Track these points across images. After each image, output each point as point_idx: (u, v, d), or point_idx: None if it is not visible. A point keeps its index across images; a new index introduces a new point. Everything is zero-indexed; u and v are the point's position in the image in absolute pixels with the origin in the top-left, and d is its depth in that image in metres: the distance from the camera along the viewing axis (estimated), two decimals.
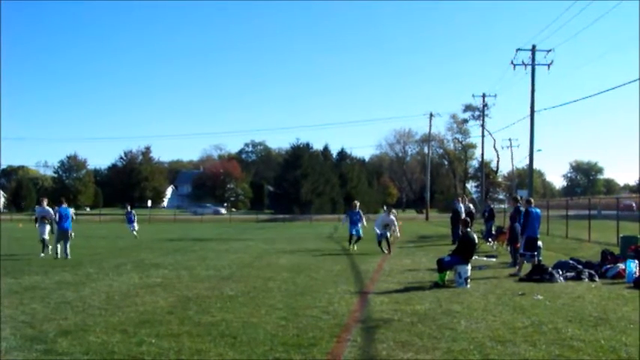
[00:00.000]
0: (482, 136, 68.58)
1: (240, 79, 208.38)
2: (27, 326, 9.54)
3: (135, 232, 36.30)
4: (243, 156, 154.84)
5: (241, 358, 7.74)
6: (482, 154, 70.60)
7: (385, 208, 26.51)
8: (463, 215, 28.43)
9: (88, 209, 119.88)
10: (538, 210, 18.60)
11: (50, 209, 22.61)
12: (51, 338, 8.68)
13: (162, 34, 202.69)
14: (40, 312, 10.85)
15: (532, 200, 19.65)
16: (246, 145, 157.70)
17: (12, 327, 9.45)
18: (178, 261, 20.36)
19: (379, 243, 23.42)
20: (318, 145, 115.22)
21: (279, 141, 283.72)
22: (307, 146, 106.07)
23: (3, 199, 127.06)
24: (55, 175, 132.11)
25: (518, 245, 18.87)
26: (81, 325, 9.56)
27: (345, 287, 14.02)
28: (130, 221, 37.33)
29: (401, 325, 9.54)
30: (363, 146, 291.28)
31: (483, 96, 65.99)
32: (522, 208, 20.37)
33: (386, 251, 22.76)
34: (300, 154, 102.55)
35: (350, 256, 21.91)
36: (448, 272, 14.70)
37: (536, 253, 17.93)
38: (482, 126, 69.12)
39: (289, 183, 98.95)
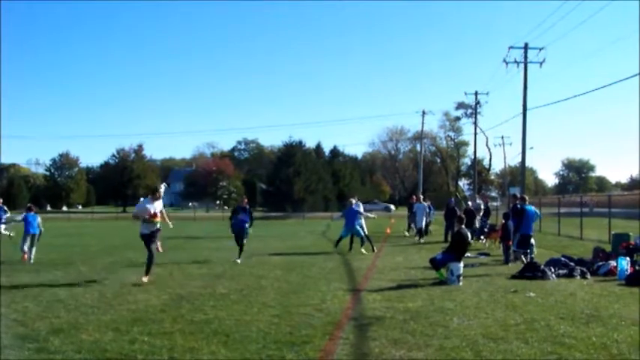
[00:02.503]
0: (475, 133, 68.59)
1: (233, 77, 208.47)
2: (19, 325, 9.53)
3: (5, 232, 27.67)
4: (236, 154, 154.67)
5: (234, 355, 7.75)
6: (475, 152, 70.66)
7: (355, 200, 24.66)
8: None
9: (80, 207, 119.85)
10: (532, 207, 18.69)
11: None
12: (43, 337, 8.67)
13: (155, 32, 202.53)
14: (32, 310, 10.84)
15: (526, 197, 19.73)
16: (239, 142, 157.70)
17: (4, 325, 9.45)
18: (171, 259, 20.32)
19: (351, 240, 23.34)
20: (310, 143, 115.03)
21: (272, 139, 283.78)
22: (300, 144, 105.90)
23: None
24: (47, 174, 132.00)
25: (511, 243, 18.99)
26: (73, 324, 9.55)
27: (338, 285, 14.03)
28: None
29: (393, 323, 9.56)
30: (356, 144, 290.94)
31: (476, 94, 65.94)
32: (519, 205, 20.60)
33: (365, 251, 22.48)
34: (292, 151, 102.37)
35: (343, 254, 21.88)
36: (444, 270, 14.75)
37: (528, 250, 18.02)
38: (475, 124, 69.10)
39: (282, 181, 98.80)
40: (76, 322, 9.73)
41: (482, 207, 30.25)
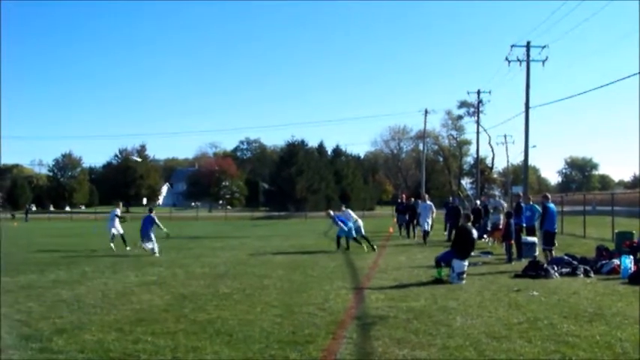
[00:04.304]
0: (477, 132, 68.64)
1: (235, 77, 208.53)
2: (23, 325, 9.55)
3: None
4: (238, 153, 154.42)
5: (237, 355, 7.75)
6: (478, 151, 70.58)
7: (344, 207, 26.10)
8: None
9: (83, 207, 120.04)
10: (554, 205, 19.01)
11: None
12: (46, 337, 8.69)
13: (157, 32, 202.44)
14: (36, 310, 10.86)
15: (549, 196, 19.89)
16: (241, 142, 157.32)
17: (8, 325, 9.45)
18: (174, 259, 20.35)
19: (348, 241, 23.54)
20: (313, 142, 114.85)
21: (274, 138, 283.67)
22: (302, 143, 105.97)
23: None
24: (50, 174, 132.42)
25: (512, 242, 19.07)
26: (76, 324, 9.57)
27: (341, 284, 14.03)
28: None
29: (396, 322, 9.56)
30: (358, 143, 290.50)
31: (478, 92, 65.86)
32: (523, 204, 20.67)
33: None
34: (295, 151, 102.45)
35: (345, 253, 21.89)
36: (447, 268, 14.70)
37: (556, 245, 18.33)
38: (477, 122, 69.12)
39: (284, 180, 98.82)
40: (80, 322, 9.74)
41: (502, 207, 29.90)
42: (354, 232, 23.24)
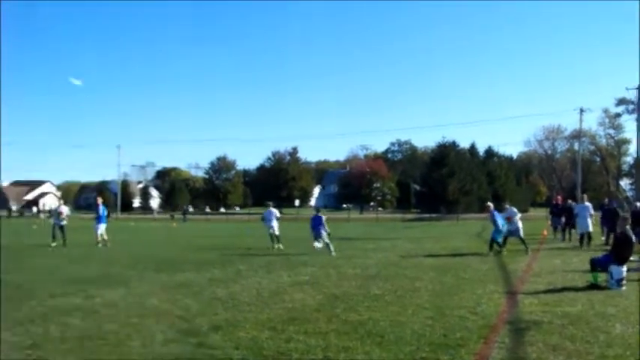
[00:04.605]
0: (638, 130, 65.37)
1: (386, 80, 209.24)
2: (181, 320, 9.95)
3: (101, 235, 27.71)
4: (389, 155, 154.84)
5: (388, 356, 7.74)
6: (638, 150, 67.30)
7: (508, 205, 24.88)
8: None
9: (237, 209, 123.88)
10: None
11: None
12: (203, 332, 9.03)
13: (311, 34, 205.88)
14: (193, 307, 11.30)
15: None
16: (392, 144, 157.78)
17: (168, 321, 9.88)
18: (326, 259, 20.56)
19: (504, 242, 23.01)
20: (464, 143, 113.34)
21: (425, 139, 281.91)
22: (453, 144, 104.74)
23: (158, 200, 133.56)
24: (206, 176, 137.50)
25: None
26: (231, 321, 9.86)
27: (493, 287, 13.73)
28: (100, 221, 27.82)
29: (551, 328, 9.26)
30: (511, 143, 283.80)
31: (638, 88, 62.91)
32: None
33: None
34: (446, 152, 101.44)
35: (498, 256, 21.42)
36: (604, 273, 14.11)
37: None
38: (638, 120, 65.87)
39: (435, 181, 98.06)
40: (234, 319, 10.04)
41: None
42: (500, 235, 22.63)
